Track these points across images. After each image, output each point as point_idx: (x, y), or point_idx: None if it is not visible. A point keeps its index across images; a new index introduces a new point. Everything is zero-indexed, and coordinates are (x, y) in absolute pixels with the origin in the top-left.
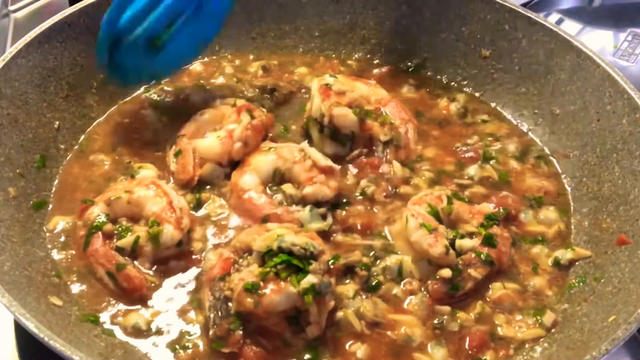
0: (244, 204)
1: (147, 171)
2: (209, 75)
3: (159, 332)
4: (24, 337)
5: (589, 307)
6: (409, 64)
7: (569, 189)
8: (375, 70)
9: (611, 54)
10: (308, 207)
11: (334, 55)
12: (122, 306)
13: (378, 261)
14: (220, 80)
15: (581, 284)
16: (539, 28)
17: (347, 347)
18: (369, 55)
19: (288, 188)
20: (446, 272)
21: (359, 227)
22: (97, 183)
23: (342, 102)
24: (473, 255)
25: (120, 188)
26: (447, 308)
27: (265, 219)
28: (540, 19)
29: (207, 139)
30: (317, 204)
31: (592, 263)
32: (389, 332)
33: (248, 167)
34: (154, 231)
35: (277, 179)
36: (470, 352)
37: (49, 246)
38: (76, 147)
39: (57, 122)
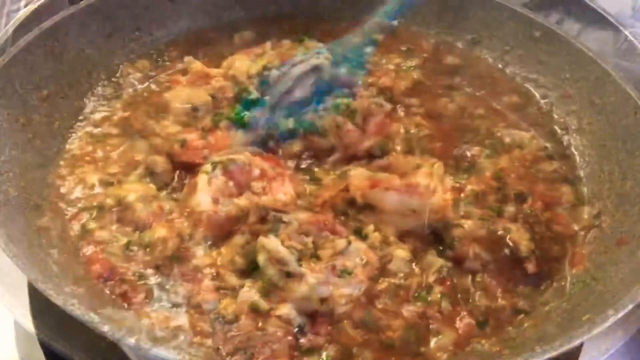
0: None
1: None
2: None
3: (161, 337)
4: (23, 335)
5: (587, 307)
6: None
7: (572, 187)
8: None
9: (630, 16)
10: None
11: None
12: (118, 311)
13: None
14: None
15: (580, 283)
16: (591, 14)
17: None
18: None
19: None
20: None
21: None
22: (93, 185)
23: None
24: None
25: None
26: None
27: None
28: (592, 3)
29: None
30: None
31: (593, 262)
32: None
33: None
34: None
35: None
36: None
37: (49, 248)
38: (75, 147)
39: (57, 123)
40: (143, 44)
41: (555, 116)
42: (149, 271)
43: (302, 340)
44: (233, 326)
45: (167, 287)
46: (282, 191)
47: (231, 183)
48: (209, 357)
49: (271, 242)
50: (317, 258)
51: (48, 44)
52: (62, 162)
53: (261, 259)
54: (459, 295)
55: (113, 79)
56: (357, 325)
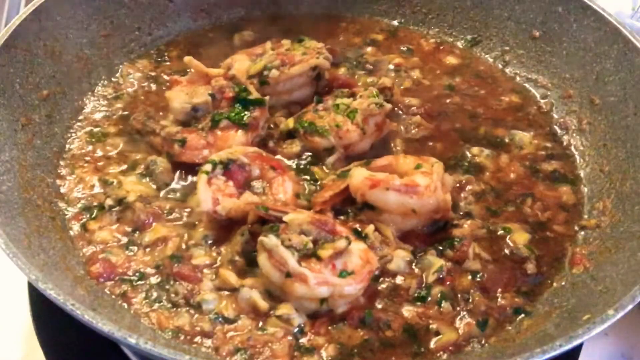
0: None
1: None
2: None
3: (161, 337)
4: (37, 299)
5: (587, 307)
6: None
7: (572, 187)
8: None
9: (629, 16)
10: None
11: None
12: (118, 311)
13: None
14: None
15: (580, 283)
16: (591, 13)
17: None
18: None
19: None
20: None
21: None
22: (93, 185)
23: None
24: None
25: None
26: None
27: None
28: (592, 3)
29: None
30: None
31: (593, 262)
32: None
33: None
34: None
35: None
36: None
37: (49, 248)
38: (75, 147)
39: (57, 123)
40: (143, 44)
41: (555, 116)
42: (149, 271)
43: (302, 340)
44: (233, 326)
45: (167, 287)
46: (282, 191)
47: (231, 183)
48: (209, 357)
49: (271, 242)
50: (317, 258)
51: (48, 44)
52: (62, 162)
53: (261, 259)
54: (459, 295)
55: (113, 79)
56: (357, 325)
